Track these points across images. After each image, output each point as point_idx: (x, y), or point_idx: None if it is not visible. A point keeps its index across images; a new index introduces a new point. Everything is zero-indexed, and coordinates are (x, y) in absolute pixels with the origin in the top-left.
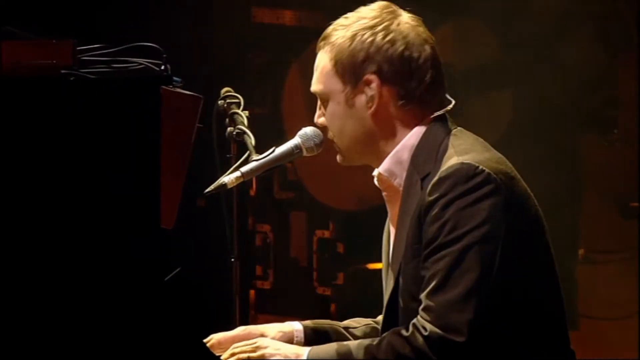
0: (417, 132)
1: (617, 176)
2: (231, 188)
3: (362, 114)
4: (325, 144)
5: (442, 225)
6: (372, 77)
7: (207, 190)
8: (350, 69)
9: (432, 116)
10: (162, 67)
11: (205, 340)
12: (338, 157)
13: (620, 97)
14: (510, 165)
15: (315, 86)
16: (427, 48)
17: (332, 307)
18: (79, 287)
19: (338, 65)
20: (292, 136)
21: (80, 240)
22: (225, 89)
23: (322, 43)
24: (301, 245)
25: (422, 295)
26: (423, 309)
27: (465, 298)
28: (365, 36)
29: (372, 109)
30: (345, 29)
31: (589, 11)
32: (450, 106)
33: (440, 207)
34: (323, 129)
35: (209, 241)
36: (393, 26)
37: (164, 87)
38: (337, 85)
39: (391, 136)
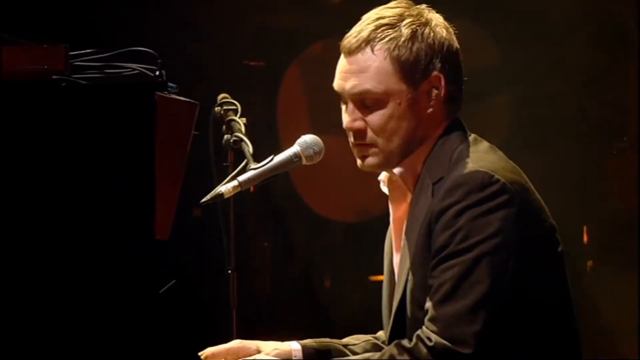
0: (436, 135)
1: (627, 184)
2: (228, 198)
3: (421, 114)
4: (325, 153)
5: (454, 234)
6: (440, 75)
7: (203, 199)
8: (417, 67)
9: (451, 119)
10: (157, 73)
11: (200, 354)
12: (372, 161)
13: (629, 102)
14: (524, 176)
15: (365, 86)
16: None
17: (333, 320)
18: (72, 300)
19: (402, 64)
20: (291, 144)
21: (72, 251)
22: (222, 95)
23: (362, 44)
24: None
25: (428, 304)
26: (429, 319)
27: (473, 310)
28: (426, 32)
29: (432, 109)
30: (394, 28)
31: (590, 14)
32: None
33: (453, 215)
34: (358, 133)
35: (206, 252)
36: (440, 21)
37: (158, 93)
38: (398, 85)
39: (429, 137)
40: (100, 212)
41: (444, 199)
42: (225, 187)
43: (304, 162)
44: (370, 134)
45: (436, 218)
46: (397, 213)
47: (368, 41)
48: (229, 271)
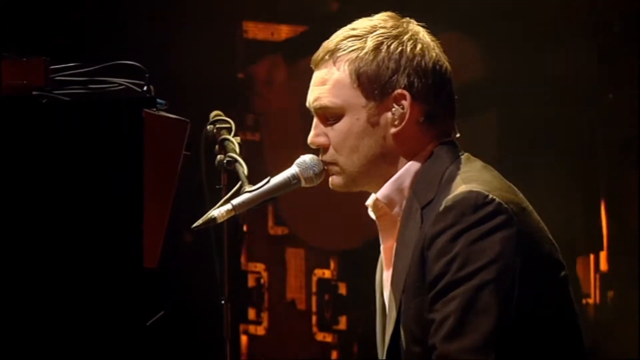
0: (422, 156)
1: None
2: (221, 222)
3: (383, 133)
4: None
5: (450, 261)
6: (404, 92)
7: (194, 224)
8: (377, 82)
9: (440, 141)
10: (145, 88)
11: None
12: (336, 181)
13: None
14: (521, 195)
15: (323, 100)
16: (448, 65)
17: (334, 355)
18: (55, 333)
19: (362, 77)
20: (289, 165)
21: (53, 280)
22: (215, 112)
23: (326, 56)
24: (299, 285)
25: (435, 341)
26: (439, 357)
27: (484, 343)
28: (393, 46)
29: (398, 128)
30: (361, 39)
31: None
32: (458, 135)
33: (447, 241)
34: (322, 149)
35: (197, 281)
36: (419, 36)
37: (146, 110)
38: (357, 99)
39: (404, 159)
40: (82, 239)
41: (436, 223)
42: (219, 211)
43: (303, 184)
44: (331, 150)
45: (428, 245)
46: (387, 242)
47: (332, 52)
48: (222, 301)
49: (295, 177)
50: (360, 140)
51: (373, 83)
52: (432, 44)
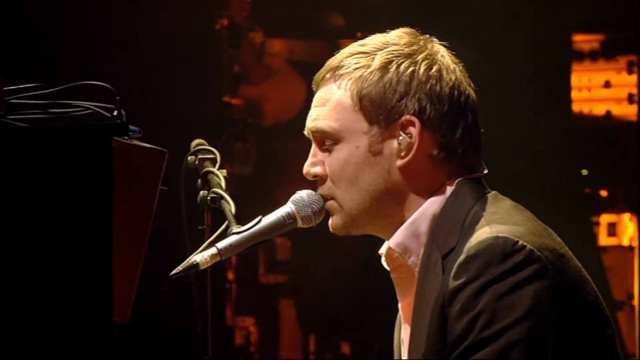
0: (440, 196)
1: None
2: (205, 269)
3: (388, 165)
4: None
5: (474, 319)
6: (413, 119)
7: (173, 272)
8: (382, 106)
9: (461, 178)
10: (115, 113)
11: None
12: (335, 221)
13: None
14: (559, 239)
15: (320, 123)
16: (472, 91)
17: None
18: None
19: (364, 99)
20: (284, 202)
21: (7, 337)
22: (197, 141)
23: (328, 74)
24: (294, 343)
25: None
26: None
27: None
28: (404, 66)
29: (405, 159)
30: (368, 57)
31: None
32: (485, 172)
33: (470, 295)
34: (319, 180)
35: (175, 338)
36: (437, 57)
37: (117, 138)
38: (358, 124)
39: (415, 197)
40: (41, 289)
41: (458, 275)
42: (202, 256)
43: (300, 224)
44: (328, 182)
45: (450, 300)
46: (405, 298)
47: (335, 70)
48: None
49: (290, 216)
50: (360, 171)
51: (377, 107)
52: (452, 66)
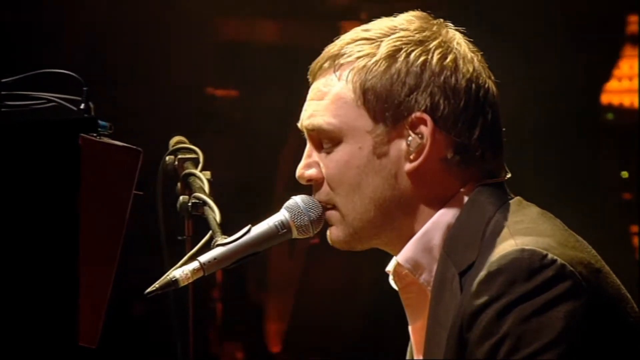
0: (455, 204)
1: None
2: (185, 287)
3: (395, 169)
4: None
5: (498, 344)
6: (424, 116)
7: (149, 289)
8: (389, 101)
9: (479, 184)
10: (82, 106)
11: None
12: (334, 233)
13: None
14: (594, 252)
15: (317, 119)
16: (492, 84)
17: None
18: None
19: (368, 93)
20: (277, 209)
21: None
22: (176, 138)
23: (326, 63)
24: None
25: None
26: None
27: None
28: (414, 55)
29: (414, 163)
30: (373, 44)
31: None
32: (508, 176)
33: (492, 318)
34: (314, 185)
35: None
36: (453, 44)
37: (84, 135)
38: (361, 121)
39: (426, 207)
40: None
41: (478, 294)
42: (182, 272)
43: (295, 234)
44: (325, 187)
45: (469, 323)
46: (416, 321)
47: (334, 58)
48: None
49: (284, 225)
50: (363, 176)
51: (383, 102)
52: (470, 55)
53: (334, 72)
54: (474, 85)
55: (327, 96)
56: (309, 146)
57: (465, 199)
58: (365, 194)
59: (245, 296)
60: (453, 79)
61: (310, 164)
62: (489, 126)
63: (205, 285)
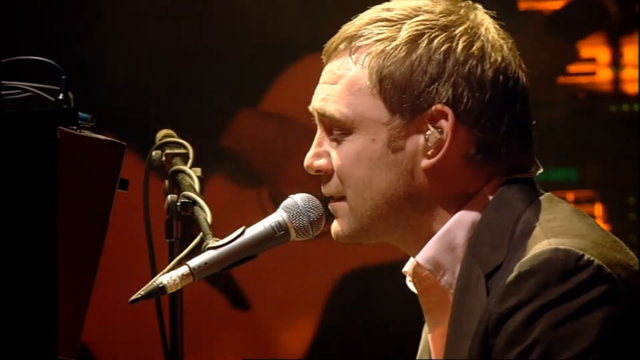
0: (481, 200)
1: None
2: (174, 293)
3: (411, 165)
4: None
5: (526, 351)
6: (445, 109)
7: (134, 296)
8: (408, 91)
9: (506, 178)
10: (61, 96)
11: None
12: (339, 227)
13: None
14: (632, 253)
15: (329, 106)
16: (523, 75)
17: None
18: None
19: (385, 81)
20: (274, 209)
21: None
22: (164, 132)
23: (342, 45)
24: None
25: None
26: None
27: None
28: (437, 42)
29: (433, 159)
30: (393, 26)
31: None
32: (540, 172)
33: (521, 322)
34: (322, 175)
35: None
36: (481, 30)
37: (62, 128)
38: (377, 112)
39: (446, 206)
40: None
41: (507, 297)
42: (170, 277)
43: (294, 236)
44: (334, 179)
45: (495, 328)
46: (438, 327)
47: (351, 40)
48: None
49: (281, 227)
50: (375, 170)
51: (402, 92)
52: (499, 42)
53: (350, 55)
54: (501, 76)
55: (341, 80)
56: (319, 133)
57: (491, 195)
58: (377, 189)
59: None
60: (479, 68)
61: (320, 153)
62: (517, 121)
63: (196, 291)
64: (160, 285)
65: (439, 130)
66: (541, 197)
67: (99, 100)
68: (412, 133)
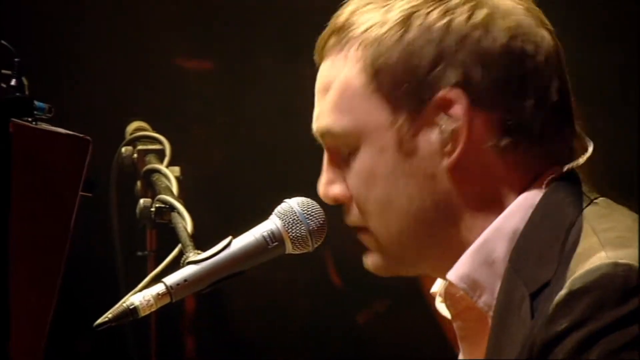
0: (524, 203)
1: None
2: (147, 316)
3: (431, 168)
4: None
5: None
6: (453, 93)
7: (99, 320)
8: (408, 79)
9: (553, 174)
10: (14, 82)
11: None
12: (371, 260)
13: None
14: None
15: (324, 120)
16: (547, 35)
17: None
18: None
19: (382, 74)
20: (267, 214)
21: None
22: (135, 124)
23: (332, 39)
24: None
25: None
26: None
27: None
28: (433, 16)
29: (453, 155)
30: (382, 9)
31: None
32: (588, 153)
33: (574, 348)
34: (344, 207)
35: None
36: (484, 3)
37: (16, 120)
38: (377, 114)
39: (480, 210)
40: None
41: (555, 320)
42: (142, 297)
43: (289, 248)
44: (354, 208)
45: (542, 355)
46: (472, 354)
47: (340, 31)
48: None
49: (274, 237)
50: (393, 185)
51: (402, 83)
52: (510, 4)
53: (340, 51)
54: (518, 43)
55: (333, 86)
56: (326, 158)
57: (537, 197)
58: (399, 208)
59: (224, 327)
60: (488, 39)
61: (332, 179)
62: (546, 89)
63: (172, 315)
64: (132, 307)
65: (452, 118)
66: (597, 201)
67: (59, 87)
68: (422, 129)
